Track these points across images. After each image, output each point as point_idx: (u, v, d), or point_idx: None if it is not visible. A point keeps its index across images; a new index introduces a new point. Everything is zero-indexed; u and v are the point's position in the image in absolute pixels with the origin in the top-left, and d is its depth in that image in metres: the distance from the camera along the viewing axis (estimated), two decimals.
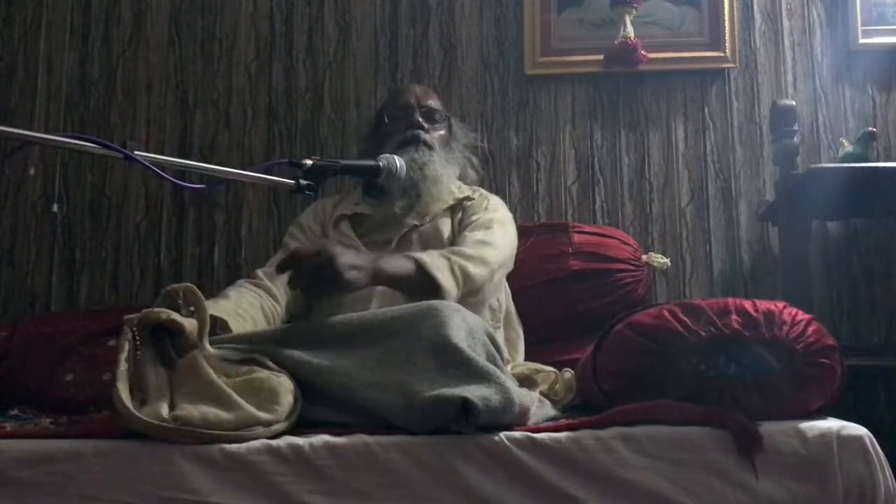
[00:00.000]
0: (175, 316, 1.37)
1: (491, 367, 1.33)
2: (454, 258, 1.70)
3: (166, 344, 1.35)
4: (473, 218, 1.94)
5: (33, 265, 2.50)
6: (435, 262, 1.66)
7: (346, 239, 1.95)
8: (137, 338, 1.33)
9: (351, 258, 1.54)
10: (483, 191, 2.10)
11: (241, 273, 2.45)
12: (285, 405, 1.34)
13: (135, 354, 1.32)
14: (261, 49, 2.59)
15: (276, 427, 1.31)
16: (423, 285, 1.63)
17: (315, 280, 1.50)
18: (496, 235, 1.88)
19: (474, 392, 1.26)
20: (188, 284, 1.43)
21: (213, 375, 1.32)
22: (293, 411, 1.36)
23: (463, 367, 1.31)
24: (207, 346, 1.39)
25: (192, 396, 1.30)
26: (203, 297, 1.43)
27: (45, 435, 1.36)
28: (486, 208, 1.98)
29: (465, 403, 1.25)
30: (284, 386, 1.36)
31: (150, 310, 1.37)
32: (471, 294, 1.72)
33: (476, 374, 1.30)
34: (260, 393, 1.33)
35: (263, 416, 1.30)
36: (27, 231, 2.51)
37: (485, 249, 1.79)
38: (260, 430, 1.30)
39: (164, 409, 1.27)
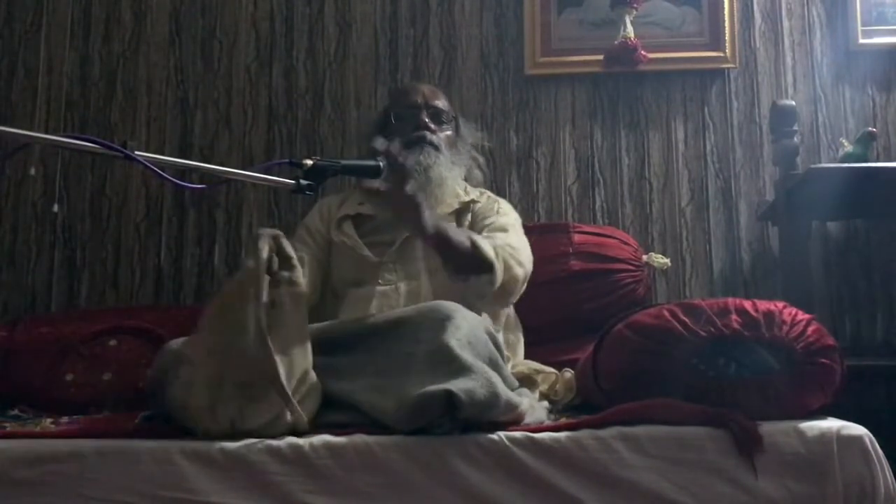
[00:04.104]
0: (294, 255, 1.42)
1: (478, 362, 1.34)
2: (500, 247, 1.74)
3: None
4: (487, 221, 1.94)
5: (33, 265, 2.49)
6: (486, 244, 1.72)
7: (349, 239, 1.95)
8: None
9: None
10: (490, 193, 2.09)
11: None
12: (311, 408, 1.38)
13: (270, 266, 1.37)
14: (261, 49, 2.58)
15: (304, 423, 1.35)
16: (473, 262, 1.69)
17: (397, 188, 1.57)
18: (518, 240, 1.88)
19: (459, 385, 1.27)
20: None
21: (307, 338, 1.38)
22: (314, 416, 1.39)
23: (452, 364, 1.32)
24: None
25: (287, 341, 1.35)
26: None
27: (45, 435, 1.36)
28: (497, 212, 1.98)
29: (450, 397, 1.26)
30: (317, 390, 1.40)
31: (279, 234, 1.43)
32: (507, 292, 1.76)
33: (463, 370, 1.31)
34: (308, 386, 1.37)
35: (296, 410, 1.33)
36: (27, 231, 2.51)
37: (518, 252, 1.81)
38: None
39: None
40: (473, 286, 1.70)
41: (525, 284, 1.84)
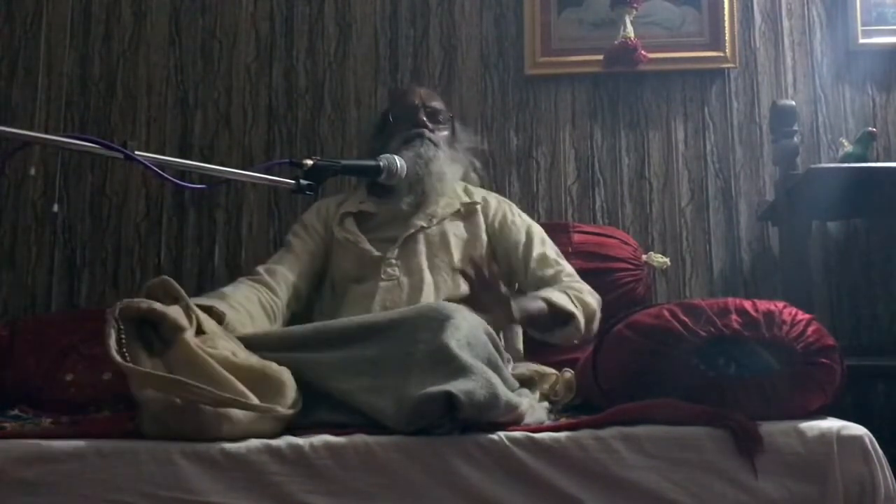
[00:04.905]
0: (155, 305, 1.32)
1: (477, 363, 1.33)
2: (570, 292, 1.84)
3: (150, 335, 1.32)
4: (522, 249, 1.98)
5: (33, 265, 2.50)
6: (560, 298, 1.80)
7: (351, 235, 1.95)
8: (122, 331, 1.28)
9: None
10: (496, 195, 2.13)
11: (241, 273, 2.44)
12: (288, 399, 1.35)
13: (121, 345, 1.28)
14: (261, 49, 2.59)
15: (282, 412, 1.32)
16: (555, 319, 1.79)
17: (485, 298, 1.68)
18: (565, 262, 1.97)
19: (458, 386, 1.27)
20: (164, 277, 1.41)
21: (209, 358, 1.29)
22: (295, 405, 1.36)
23: (451, 365, 1.32)
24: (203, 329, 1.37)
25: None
26: (180, 288, 1.41)
27: (45, 435, 1.36)
28: (515, 223, 2.02)
29: (450, 398, 1.26)
30: (288, 379, 1.37)
31: (129, 301, 1.32)
32: (591, 326, 1.84)
33: (462, 370, 1.30)
34: (264, 381, 1.33)
35: (262, 404, 1.30)
36: (27, 231, 2.51)
37: (576, 279, 1.92)
38: (269, 414, 1.30)
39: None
40: (561, 336, 1.81)
41: (600, 307, 1.89)
